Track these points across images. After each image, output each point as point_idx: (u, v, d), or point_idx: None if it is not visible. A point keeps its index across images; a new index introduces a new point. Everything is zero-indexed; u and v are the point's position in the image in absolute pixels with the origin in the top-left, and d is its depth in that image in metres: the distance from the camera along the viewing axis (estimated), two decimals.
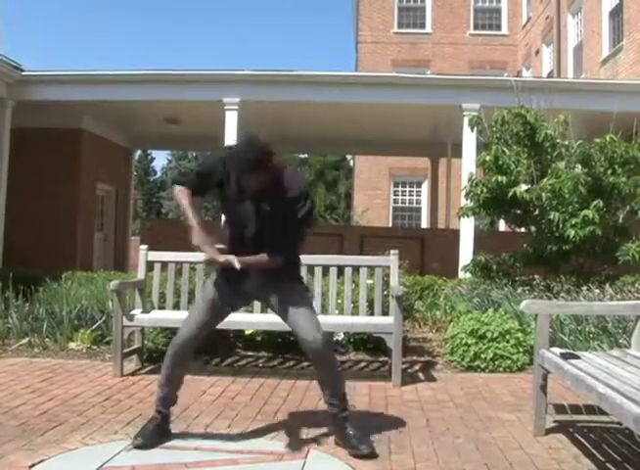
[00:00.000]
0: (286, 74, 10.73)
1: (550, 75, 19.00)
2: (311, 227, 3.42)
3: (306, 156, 32.04)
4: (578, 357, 3.42)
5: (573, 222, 6.83)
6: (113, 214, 15.16)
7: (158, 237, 12.32)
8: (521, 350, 5.31)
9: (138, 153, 26.76)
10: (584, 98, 10.17)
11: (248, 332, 5.54)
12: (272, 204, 3.27)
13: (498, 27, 24.33)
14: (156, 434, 3.29)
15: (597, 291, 6.09)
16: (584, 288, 6.24)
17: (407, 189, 23.73)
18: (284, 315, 3.41)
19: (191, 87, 10.74)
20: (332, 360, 3.49)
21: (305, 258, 4.08)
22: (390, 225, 22.47)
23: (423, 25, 24.32)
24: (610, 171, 7.12)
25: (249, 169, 3.12)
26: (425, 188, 22.24)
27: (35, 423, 3.59)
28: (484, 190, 7.41)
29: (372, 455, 3.15)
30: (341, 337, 5.69)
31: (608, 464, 3.13)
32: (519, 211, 7.66)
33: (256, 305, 5.20)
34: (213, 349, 5.62)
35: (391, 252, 5.28)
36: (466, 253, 9.82)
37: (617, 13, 14.92)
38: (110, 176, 14.61)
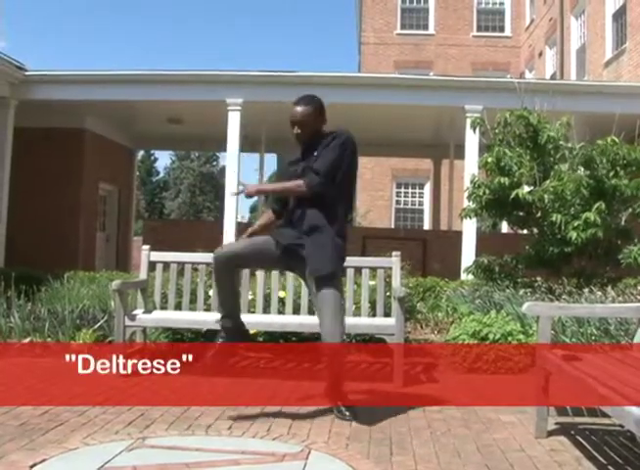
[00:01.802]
0: (289, 75, 10.75)
1: (553, 77, 18.99)
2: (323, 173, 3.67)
3: None
4: (580, 359, 3.42)
5: (576, 224, 6.82)
6: (115, 214, 15.17)
7: (160, 237, 12.35)
8: (522, 351, 5.30)
9: (141, 153, 26.75)
10: (587, 100, 10.16)
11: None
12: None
13: (501, 29, 24.32)
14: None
15: (599, 293, 6.07)
16: (586, 290, 6.23)
17: (410, 190, 23.72)
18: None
19: (194, 87, 10.75)
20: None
21: None
22: (393, 226, 22.46)
23: (426, 27, 24.32)
24: (612, 174, 7.11)
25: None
26: (427, 189, 22.23)
27: (36, 423, 3.59)
28: (487, 191, 7.40)
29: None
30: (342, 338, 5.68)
31: (609, 467, 3.12)
32: (521, 213, 7.65)
33: (258, 305, 5.21)
34: None
35: (394, 253, 5.27)
36: (468, 254, 9.82)
37: (620, 15, 14.91)
38: (112, 176, 14.63)
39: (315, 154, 3.73)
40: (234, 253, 3.72)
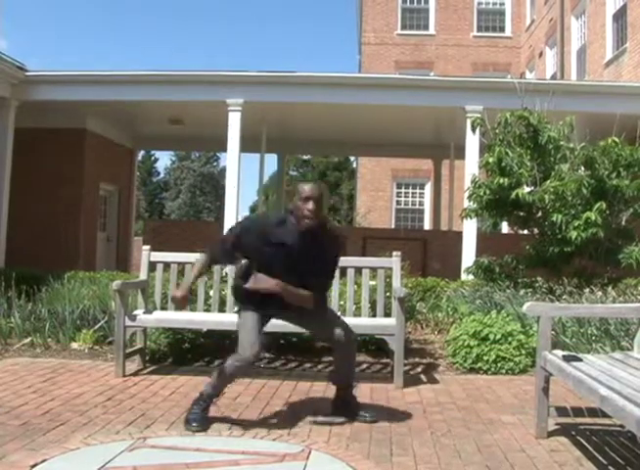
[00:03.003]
0: (289, 76, 10.74)
1: (553, 78, 18.99)
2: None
3: (309, 157, 32.06)
4: (580, 360, 3.42)
5: (576, 225, 6.82)
6: (115, 215, 15.16)
7: (160, 238, 12.35)
8: (523, 352, 5.31)
9: (141, 153, 26.76)
10: (588, 100, 10.15)
11: None
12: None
13: (502, 29, 24.33)
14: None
15: (599, 293, 6.08)
16: (587, 290, 6.23)
17: (410, 191, 23.72)
18: (316, 328, 4.00)
19: (195, 88, 10.75)
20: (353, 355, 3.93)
21: None
22: (393, 227, 22.48)
23: (426, 27, 24.33)
24: (614, 174, 7.12)
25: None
26: (427, 190, 22.24)
27: (37, 423, 3.59)
28: (487, 192, 7.40)
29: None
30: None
31: (610, 467, 3.12)
32: (521, 213, 7.65)
33: None
34: (215, 349, 5.63)
35: (394, 253, 5.28)
36: (468, 254, 9.81)
37: (620, 15, 14.91)
38: (113, 177, 14.63)
39: (322, 247, 3.70)
40: (260, 350, 3.73)
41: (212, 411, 3.93)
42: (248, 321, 3.74)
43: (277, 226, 3.70)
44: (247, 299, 3.79)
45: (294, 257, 3.62)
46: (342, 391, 3.91)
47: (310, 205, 3.58)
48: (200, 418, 3.62)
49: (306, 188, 3.63)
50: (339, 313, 5.23)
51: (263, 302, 3.70)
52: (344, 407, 3.86)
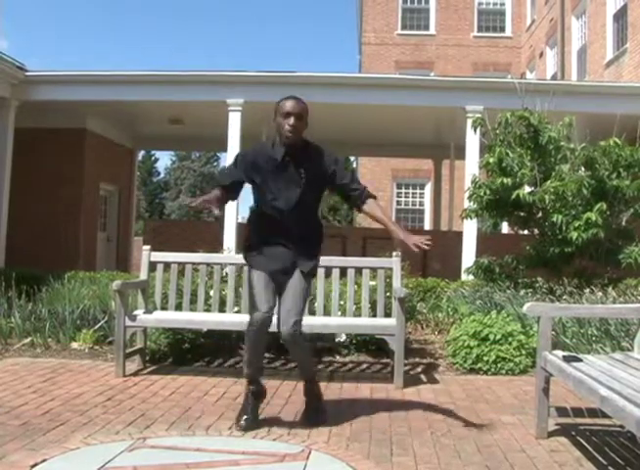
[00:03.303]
0: (289, 76, 10.74)
1: (554, 78, 18.99)
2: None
3: None
4: (581, 360, 3.42)
5: (577, 225, 6.81)
6: (116, 215, 15.17)
7: (160, 238, 12.35)
8: (523, 352, 5.30)
9: (141, 153, 26.76)
10: (588, 101, 10.15)
11: None
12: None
13: (502, 29, 24.33)
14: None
15: (600, 294, 6.07)
16: (587, 290, 6.23)
17: (410, 191, 23.72)
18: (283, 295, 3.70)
19: (195, 88, 10.75)
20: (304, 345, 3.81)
21: None
22: None
23: (427, 27, 24.33)
24: (614, 175, 7.11)
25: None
26: (428, 190, 22.24)
27: (37, 423, 3.59)
28: (488, 192, 7.39)
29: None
30: (343, 338, 5.69)
31: (610, 467, 3.12)
32: (522, 214, 7.65)
33: None
34: (215, 349, 5.64)
35: (394, 253, 5.28)
36: (469, 255, 9.81)
37: (621, 15, 14.91)
38: (113, 177, 14.63)
39: (310, 165, 3.67)
40: (271, 308, 3.61)
41: (212, 411, 3.93)
42: (259, 282, 3.66)
43: (266, 147, 3.74)
44: (253, 256, 3.75)
45: (288, 173, 3.62)
46: (304, 385, 3.92)
47: (292, 120, 3.55)
48: (246, 412, 3.68)
49: (287, 104, 3.61)
50: (338, 313, 5.27)
51: (269, 259, 3.67)
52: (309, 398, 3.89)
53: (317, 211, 3.88)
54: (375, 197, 3.80)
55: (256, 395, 3.77)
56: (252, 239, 3.80)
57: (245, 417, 3.64)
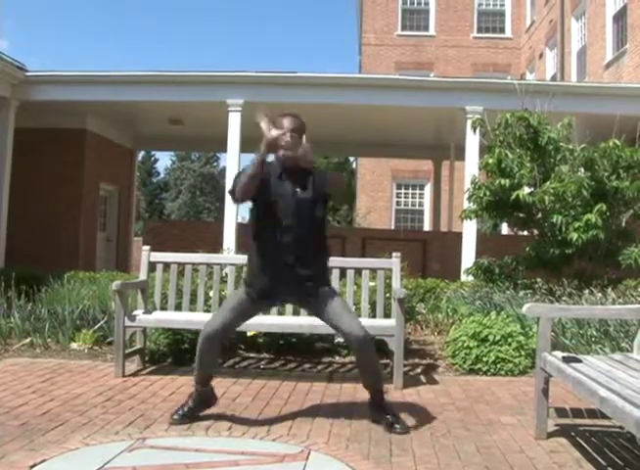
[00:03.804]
0: (289, 76, 10.74)
1: (554, 79, 19.00)
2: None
3: None
4: (580, 361, 3.42)
5: (576, 226, 6.81)
6: (115, 215, 15.17)
7: (160, 238, 12.35)
8: (522, 353, 5.30)
9: (141, 153, 26.76)
10: (588, 101, 10.16)
11: (249, 333, 5.53)
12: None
13: (502, 30, 24.34)
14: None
15: (599, 295, 6.07)
16: (586, 291, 6.22)
17: (410, 191, 23.73)
18: (324, 316, 3.71)
19: (195, 88, 10.75)
20: (372, 351, 3.73)
21: None
22: (393, 227, 22.48)
23: (426, 28, 24.34)
24: (614, 176, 7.12)
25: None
26: (427, 190, 22.24)
27: (37, 423, 3.59)
28: (487, 193, 7.39)
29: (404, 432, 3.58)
30: (342, 339, 5.68)
31: (609, 468, 3.13)
32: (521, 215, 7.64)
33: None
34: None
35: (393, 254, 5.28)
36: (468, 255, 9.82)
37: (620, 16, 14.92)
38: (113, 177, 14.63)
39: (309, 179, 3.66)
40: (226, 325, 3.71)
41: (212, 411, 3.93)
42: (230, 301, 3.85)
43: (273, 163, 3.74)
44: (249, 281, 3.77)
45: (285, 192, 3.62)
46: (372, 394, 3.81)
47: (287, 134, 3.60)
48: (182, 408, 3.75)
49: (284, 121, 3.66)
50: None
51: (265, 287, 3.69)
52: (378, 413, 3.76)
53: (321, 230, 3.78)
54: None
55: (199, 399, 3.80)
56: (252, 260, 3.79)
57: (179, 413, 3.71)
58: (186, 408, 3.75)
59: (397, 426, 3.62)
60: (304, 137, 3.70)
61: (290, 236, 3.61)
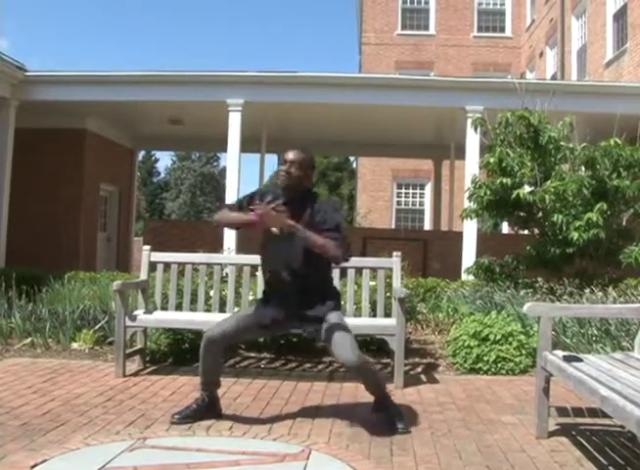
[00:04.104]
0: (289, 76, 10.74)
1: (554, 78, 18.99)
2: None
3: None
4: (581, 360, 3.42)
5: (577, 225, 6.81)
6: (116, 215, 15.17)
7: (160, 238, 12.35)
8: (523, 352, 5.30)
9: (142, 153, 26.76)
10: (588, 100, 10.15)
11: None
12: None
13: (502, 30, 24.32)
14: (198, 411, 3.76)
15: (600, 293, 6.07)
16: (587, 291, 6.23)
17: (410, 191, 23.71)
18: (323, 338, 3.74)
19: (195, 88, 10.75)
20: (368, 372, 3.81)
21: None
22: (393, 227, 22.46)
23: (426, 27, 24.32)
24: (614, 175, 7.11)
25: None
26: (428, 190, 22.23)
27: (37, 423, 3.59)
28: (488, 192, 7.39)
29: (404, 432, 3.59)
30: None
31: (610, 467, 3.12)
32: (522, 214, 7.64)
33: None
34: None
35: (394, 253, 5.27)
36: (469, 255, 9.81)
37: (621, 15, 14.91)
38: (113, 177, 14.63)
39: (310, 214, 3.71)
40: (226, 333, 3.74)
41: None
42: (240, 312, 3.97)
43: (269, 193, 3.87)
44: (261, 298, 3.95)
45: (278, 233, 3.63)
46: (377, 400, 3.83)
47: (286, 165, 3.72)
48: (185, 410, 3.78)
49: (288, 153, 3.78)
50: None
51: (270, 302, 3.80)
52: (381, 412, 3.79)
53: (320, 267, 3.78)
54: (338, 248, 3.65)
55: (203, 405, 3.81)
56: (264, 286, 3.98)
57: (182, 414, 3.73)
58: (189, 411, 3.75)
59: (399, 426, 3.63)
60: (309, 168, 3.80)
61: (287, 273, 3.71)
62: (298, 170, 3.73)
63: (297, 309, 3.73)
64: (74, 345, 5.86)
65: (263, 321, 3.79)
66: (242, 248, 9.60)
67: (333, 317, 3.74)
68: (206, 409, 3.81)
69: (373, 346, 5.72)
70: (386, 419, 3.71)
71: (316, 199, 3.84)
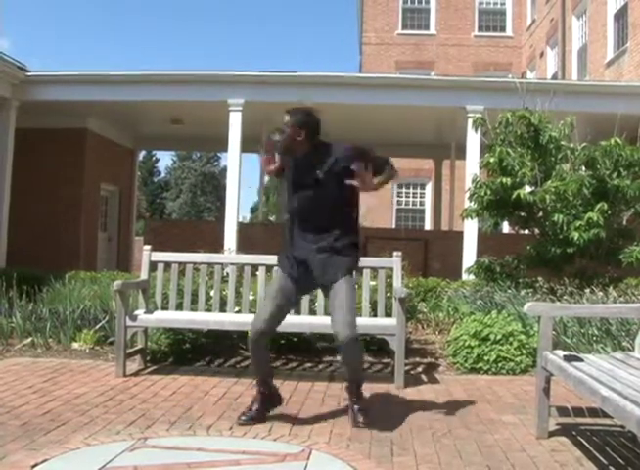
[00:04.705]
0: (290, 76, 10.75)
1: (554, 77, 18.98)
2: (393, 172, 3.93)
3: None
4: (582, 360, 3.41)
5: (578, 225, 6.81)
6: (116, 215, 15.18)
7: (161, 238, 12.36)
8: (524, 352, 5.30)
9: (142, 153, 26.75)
10: (589, 100, 10.15)
11: None
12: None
13: (502, 29, 24.32)
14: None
15: (600, 293, 6.07)
16: (588, 290, 6.23)
17: (411, 191, 23.71)
18: (329, 301, 3.76)
19: (195, 88, 10.76)
20: (355, 351, 3.75)
21: None
22: (394, 227, 22.45)
23: (427, 27, 24.31)
24: (615, 174, 7.11)
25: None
26: (428, 190, 22.23)
27: (38, 423, 3.59)
28: (488, 192, 7.39)
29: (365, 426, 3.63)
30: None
31: (610, 467, 3.12)
32: (522, 214, 7.65)
33: (259, 305, 5.20)
34: (216, 349, 5.64)
35: (394, 253, 5.27)
36: (469, 255, 9.82)
37: (621, 15, 14.90)
38: (114, 177, 14.64)
39: (326, 163, 3.74)
40: (268, 325, 3.72)
41: (213, 411, 3.93)
42: (271, 288, 3.87)
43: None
44: (280, 260, 3.89)
45: (305, 173, 3.72)
46: (349, 385, 3.84)
47: (285, 118, 3.75)
48: (249, 409, 3.78)
49: (285, 116, 3.79)
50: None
51: (292, 264, 3.77)
52: (350, 401, 3.82)
53: (345, 212, 3.85)
54: (385, 172, 3.84)
55: (264, 398, 3.81)
56: (284, 240, 3.92)
57: (247, 415, 3.72)
58: (254, 410, 3.74)
59: (360, 419, 3.67)
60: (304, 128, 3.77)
61: (310, 217, 3.74)
62: (301, 127, 3.74)
63: (318, 268, 3.70)
64: (75, 344, 5.86)
65: (292, 299, 3.84)
66: (242, 248, 9.61)
67: (341, 284, 3.69)
68: (271, 404, 3.83)
69: (373, 345, 5.71)
70: (350, 408, 3.76)
71: (329, 147, 3.81)
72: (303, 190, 3.76)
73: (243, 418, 3.70)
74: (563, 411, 3.73)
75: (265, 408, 3.79)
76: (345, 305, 3.65)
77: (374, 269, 5.42)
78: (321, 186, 3.71)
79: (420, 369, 5.45)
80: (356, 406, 3.76)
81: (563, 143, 7.44)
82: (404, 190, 23.74)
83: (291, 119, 3.75)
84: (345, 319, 3.62)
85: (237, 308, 5.38)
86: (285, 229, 3.89)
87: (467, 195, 7.91)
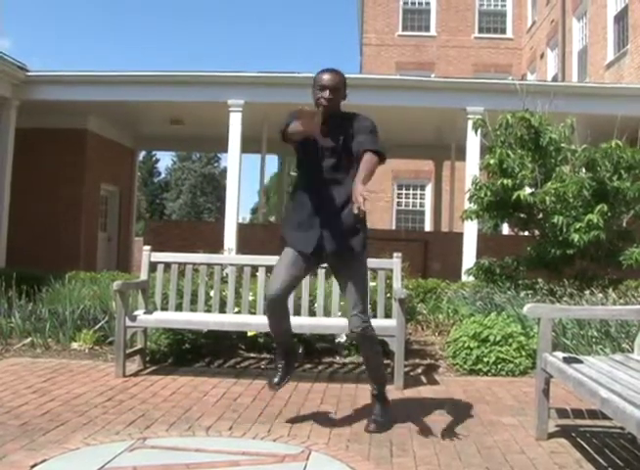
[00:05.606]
0: (290, 76, 10.75)
1: (555, 79, 18.99)
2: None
3: None
4: (581, 362, 3.41)
5: (578, 227, 6.81)
6: (116, 215, 15.18)
7: (161, 238, 12.36)
8: (523, 353, 5.30)
9: (142, 154, 26.76)
10: (589, 102, 10.16)
11: (250, 333, 5.54)
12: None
13: (503, 31, 24.33)
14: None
15: (600, 295, 6.07)
16: (587, 292, 6.22)
17: (411, 192, 23.71)
18: (342, 288, 3.77)
19: (196, 88, 10.77)
20: (372, 351, 3.82)
21: None
22: (394, 228, 22.46)
23: (427, 28, 24.32)
24: (615, 176, 7.12)
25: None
26: (428, 191, 22.23)
27: (37, 423, 3.59)
28: (488, 193, 7.39)
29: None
30: (343, 339, 5.68)
31: (610, 469, 3.12)
32: (522, 215, 7.65)
33: (258, 306, 5.20)
34: (216, 350, 5.63)
35: (394, 254, 5.27)
36: (469, 256, 9.82)
37: (621, 17, 14.92)
38: (114, 177, 14.64)
39: (344, 133, 3.72)
40: (283, 289, 3.62)
41: (213, 412, 3.93)
42: (282, 258, 3.68)
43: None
44: (287, 235, 3.72)
45: (324, 142, 3.63)
46: (373, 388, 3.80)
47: (326, 93, 3.61)
48: (276, 373, 3.82)
49: (324, 77, 3.64)
50: (339, 314, 5.26)
51: (302, 238, 3.63)
52: (374, 404, 3.79)
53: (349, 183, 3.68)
54: (376, 152, 3.74)
55: (282, 354, 3.81)
56: (290, 213, 3.83)
57: (279, 377, 3.77)
58: (282, 373, 3.78)
59: (372, 425, 3.64)
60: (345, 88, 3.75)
61: (325, 186, 3.62)
62: (338, 96, 3.68)
63: (331, 244, 3.61)
64: (74, 345, 5.86)
65: (300, 273, 3.73)
66: (242, 248, 9.61)
67: (358, 264, 3.68)
68: (293, 359, 3.86)
69: None
70: (371, 418, 3.71)
71: (348, 117, 3.79)
72: (326, 159, 3.65)
73: (276, 380, 3.75)
74: (562, 413, 3.73)
75: (289, 367, 3.80)
76: (359, 295, 3.65)
77: (374, 270, 5.41)
78: (339, 155, 3.65)
79: (419, 370, 5.45)
80: (374, 413, 3.74)
81: (563, 145, 7.44)
82: (404, 191, 23.74)
83: (338, 80, 3.67)
84: (359, 309, 3.64)
85: (236, 309, 5.38)
86: (296, 203, 3.73)
87: (467, 196, 7.91)
